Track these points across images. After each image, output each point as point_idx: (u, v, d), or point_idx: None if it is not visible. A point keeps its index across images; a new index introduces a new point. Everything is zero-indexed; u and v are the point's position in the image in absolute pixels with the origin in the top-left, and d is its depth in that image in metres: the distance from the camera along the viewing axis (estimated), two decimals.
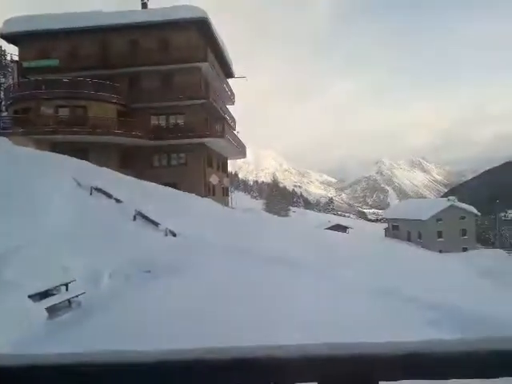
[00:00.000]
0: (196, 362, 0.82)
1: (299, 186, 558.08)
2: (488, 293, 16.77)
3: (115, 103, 27.88)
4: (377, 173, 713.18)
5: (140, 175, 22.88)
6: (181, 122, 28.88)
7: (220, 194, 33.10)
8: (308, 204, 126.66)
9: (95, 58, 28.80)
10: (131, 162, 27.66)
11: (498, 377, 0.82)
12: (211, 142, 28.86)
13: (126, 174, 21.57)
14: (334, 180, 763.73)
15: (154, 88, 28.79)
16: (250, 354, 0.85)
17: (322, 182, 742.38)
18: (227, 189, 37.22)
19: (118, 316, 6.83)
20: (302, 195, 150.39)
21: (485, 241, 58.06)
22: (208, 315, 6.54)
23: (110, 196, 15.86)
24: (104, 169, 20.27)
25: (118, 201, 15.71)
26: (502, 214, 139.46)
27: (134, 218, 14.77)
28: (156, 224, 14.55)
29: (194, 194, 22.53)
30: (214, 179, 28.76)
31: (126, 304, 7.75)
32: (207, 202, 22.20)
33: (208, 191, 28.81)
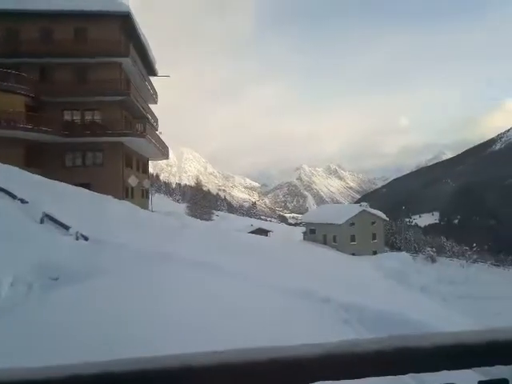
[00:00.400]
0: (181, 369, 0.81)
1: (223, 190, 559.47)
2: (394, 293, 18.18)
3: (22, 94, 25.40)
4: (297, 179, 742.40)
5: (51, 175, 21.05)
6: (98, 118, 27.21)
7: (139, 196, 31.78)
8: (231, 208, 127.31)
9: None
10: (41, 161, 25.37)
11: (405, 373, 0.91)
12: (131, 141, 27.60)
13: (34, 172, 19.71)
14: (257, 185, 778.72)
15: (68, 81, 26.79)
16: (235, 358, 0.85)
17: (245, 187, 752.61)
18: (147, 191, 35.88)
19: (15, 331, 6.10)
20: (225, 199, 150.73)
21: (392, 244, 62.93)
22: (119, 329, 6.11)
23: (14, 196, 14.33)
24: (7, 166, 18.33)
25: (23, 202, 14.24)
26: (407, 220, 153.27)
27: (42, 221, 13.49)
28: (66, 227, 13.43)
29: (110, 196, 21.30)
30: (132, 181, 27.51)
31: (27, 317, 6.97)
32: (124, 205, 21.12)
33: (126, 193, 27.48)
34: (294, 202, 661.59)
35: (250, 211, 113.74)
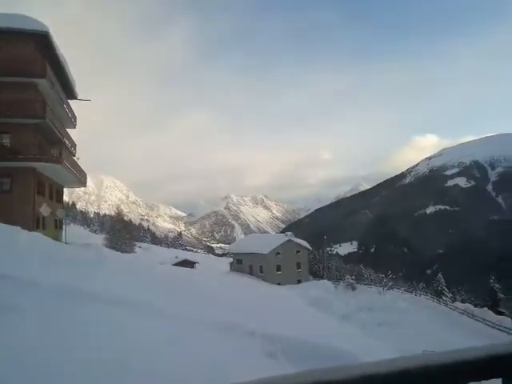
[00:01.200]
0: None
1: (147, 220, 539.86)
2: (318, 322, 18.44)
3: None
4: (225, 208, 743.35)
5: None
6: (6, 141, 24.88)
7: (52, 226, 29.24)
8: (155, 239, 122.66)
9: None
10: None
11: None
12: (44, 167, 25.52)
13: None
14: (183, 214, 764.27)
15: None
16: None
17: (171, 216, 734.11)
18: (61, 221, 33.19)
19: None
20: (149, 229, 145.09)
21: (315, 273, 64.68)
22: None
23: None
24: None
25: None
26: (329, 249, 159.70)
27: None
28: None
29: (18, 227, 19.24)
30: (44, 210, 25.26)
31: None
32: (34, 237, 19.19)
33: (37, 223, 25.09)
34: (222, 232, 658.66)
35: (175, 242, 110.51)
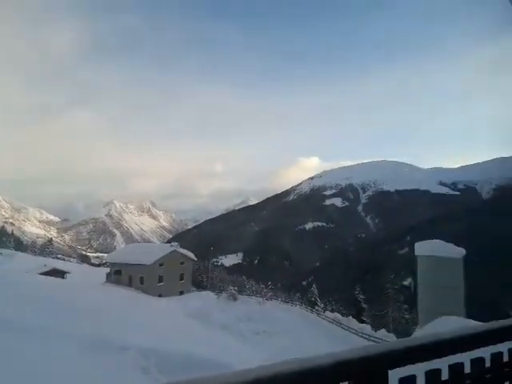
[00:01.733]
0: None
1: (11, 224, 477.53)
2: (195, 334, 18.01)
3: None
4: (106, 215, 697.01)
5: None
6: None
7: None
8: (21, 245, 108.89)
9: None
10: None
11: None
12: None
13: None
14: (56, 219, 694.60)
15: None
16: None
17: (41, 221, 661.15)
18: None
19: None
20: (13, 234, 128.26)
21: (199, 284, 64.14)
22: None
23: None
24: None
25: None
26: (215, 260, 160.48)
27: None
28: None
29: None
30: None
31: None
32: None
33: None
34: (101, 240, 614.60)
35: (44, 249, 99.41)
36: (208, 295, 46.07)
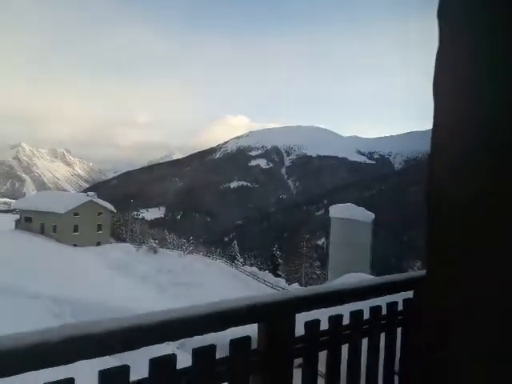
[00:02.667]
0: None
1: None
2: (113, 283, 17.71)
3: None
4: (14, 158, 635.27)
5: None
6: None
7: None
8: None
9: None
10: None
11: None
12: None
13: None
14: None
15: None
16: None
17: None
18: None
19: None
20: None
21: (118, 236, 62.50)
22: None
23: None
24: None
25: None
26: (135, 213, 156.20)
27: None
28: None
29: None
30: None
31: None
32: None
33: None
34: (8, 185, 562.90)
35: None
36: (127, 247, 45.12)
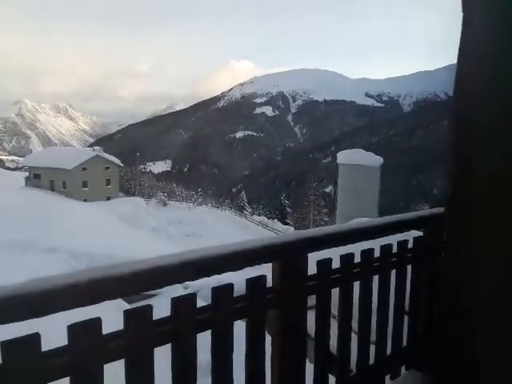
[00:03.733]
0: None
1: None
2: (126, 236, 18.15)
3: None
4: (17, 115, 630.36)
5: None
6: None
7: None
8: None
9: None
10: None
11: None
12: None
13: None
14: None
15: None
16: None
17: None
18: None
19: None
20: None
21: (127, 190, 63.14)
22: None
23: None
24: None
25: None
26: (142, 166, 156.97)
27: None
28: None
29: None
30: None
31: None
32: None
33: None
34: (14, 143, 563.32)
35: None
36: (137, 201, 45.76)
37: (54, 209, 21.89)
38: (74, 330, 1.14)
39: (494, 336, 1.79)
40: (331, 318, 1.98)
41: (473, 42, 1.79)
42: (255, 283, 1.60)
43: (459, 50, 1.86)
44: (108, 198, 47.49)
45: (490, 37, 1.72)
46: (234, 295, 1.54)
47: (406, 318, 2.46)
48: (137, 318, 1.27)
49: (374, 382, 2.28)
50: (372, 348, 2.25)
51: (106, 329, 1.22)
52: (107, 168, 50.72)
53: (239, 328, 1.59)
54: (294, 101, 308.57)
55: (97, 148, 53.21)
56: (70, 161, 46.19)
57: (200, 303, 1.44)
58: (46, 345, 1.10)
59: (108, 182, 50.52)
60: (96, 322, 1.18)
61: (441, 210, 2.47)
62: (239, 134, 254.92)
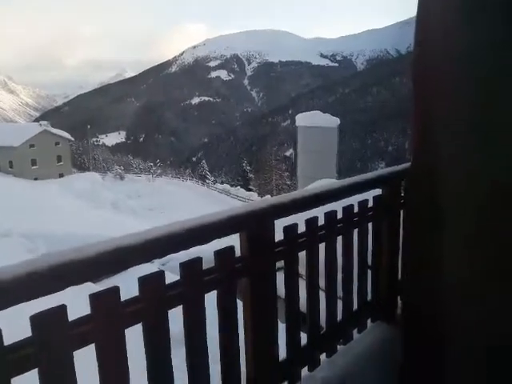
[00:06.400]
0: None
1: None
2: (84, 213, 17.58)
3: None
4: None
5: None
6: None
7: None
8: None
9: None
10: None
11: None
12: None
13: None
14: None
15: None
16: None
17: None
18: None
19: None
20: None
21: (80, 166, 60.76)
22: None
23: None
24: None
25: None
26: (95, 139, 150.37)
27: None
28: None
29: None
30: None
31: None
32: None
33: None
34: None
35: None
36: (92, 176, 44.16)
37: (3, 191, 20.69)
38: (37, 319, 1.09)
39: (456, 283, 1.90)
40: (299, 279, 2.04)
41: None
42: (223, 254, 1.61)
43: (418, 3, 1.86)
44: (60, 176, 45.55)
45: None
46: (207, 264, 1.53)
47: (368, 273, 2.57)
48: (104, 301, 1.23)
49: (342, 337, 2.39)
50: (340, 304, 2.34)
51: (75, 314, 1.18)
52: (57, 143, 48.32)
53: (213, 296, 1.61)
54: (249, 63, 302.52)
55: (43, 122, 50.29)
56: (15, 138, 43.51)
57: (170, 277, 1.42)
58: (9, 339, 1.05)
59: (59, 159, 48.30)
60: (61, 310, 1.13)
61: (397, 168, 2.59)
62: (195, 100, 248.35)
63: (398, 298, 2.73)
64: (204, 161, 60.77)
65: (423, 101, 1.99)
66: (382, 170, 2.81)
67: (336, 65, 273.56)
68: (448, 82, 1.77)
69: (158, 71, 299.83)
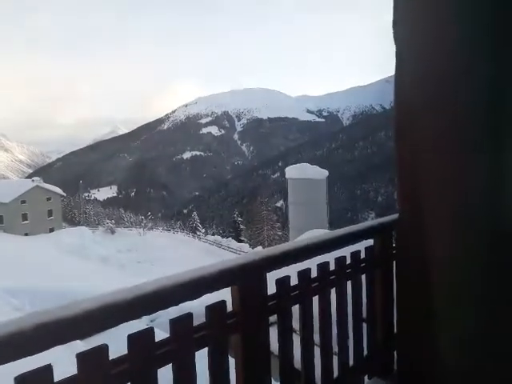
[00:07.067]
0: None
1: None
2: (73, 269, 17.18)
3: None
4: None
5: None
6: None
7: None
8: None
9: None
10: None
11: None
12: None
13: None
14: None
15: None
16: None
17: None
18: None
19: None
20: None
21: (71, 220, 60.23)
22: None
23: None
24: None
25: None
26: (86, 194, 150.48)
27: None
28: None
29: None
30: None
31: None
32: None
33: None
34: None
35: None
36: (82, 230, 43.56)
37: None
38: (21, 381, 1.03)
39: (451, 333, 1.87)
40: (293, 334, 1.98)
41: (406, 54, 1.93)
42: (214, 310, 1.56)
43: (396, 64, 1.99)
44: (51, 230, 44.95)
45: (421, 46, 1.85)
46: (198, 319, 1.49)
47: (364, 326, 2.51)
48: (91, 360, 1.18)
49: None
50: (335, 359, 2.27)
51: (61, 375, 1.13)
52: (48, 199, 48.17)
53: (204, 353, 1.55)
54: (239, 120, 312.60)
55: (36, 178, 50.42)
56: (7, 194, 43.38)
57: (159, 334, 1.38)
58: None
59: (50, 213, 47.92)
60: (47, 370, 1.08)
61: (388, 218, 2.61)
62: (186, 155, 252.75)
63: (395, 352, 2.65)
64: (195, 213, 60.66)
65: (405, 153, 2.07)
66: (373, 220, 2.84)
67: (322, 120, 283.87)
68: (427, 134, 1.85)
69: (151, 128, 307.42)
